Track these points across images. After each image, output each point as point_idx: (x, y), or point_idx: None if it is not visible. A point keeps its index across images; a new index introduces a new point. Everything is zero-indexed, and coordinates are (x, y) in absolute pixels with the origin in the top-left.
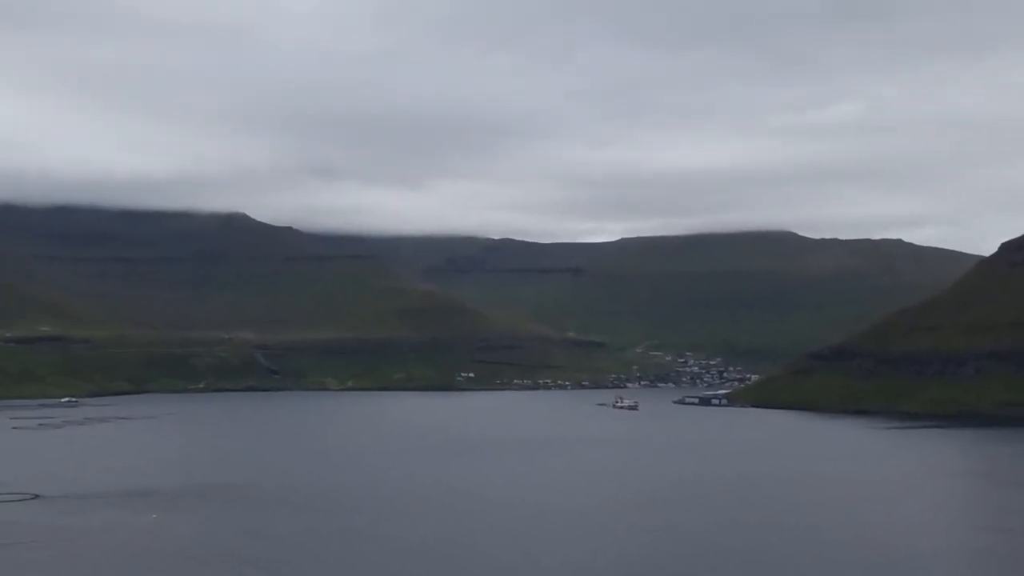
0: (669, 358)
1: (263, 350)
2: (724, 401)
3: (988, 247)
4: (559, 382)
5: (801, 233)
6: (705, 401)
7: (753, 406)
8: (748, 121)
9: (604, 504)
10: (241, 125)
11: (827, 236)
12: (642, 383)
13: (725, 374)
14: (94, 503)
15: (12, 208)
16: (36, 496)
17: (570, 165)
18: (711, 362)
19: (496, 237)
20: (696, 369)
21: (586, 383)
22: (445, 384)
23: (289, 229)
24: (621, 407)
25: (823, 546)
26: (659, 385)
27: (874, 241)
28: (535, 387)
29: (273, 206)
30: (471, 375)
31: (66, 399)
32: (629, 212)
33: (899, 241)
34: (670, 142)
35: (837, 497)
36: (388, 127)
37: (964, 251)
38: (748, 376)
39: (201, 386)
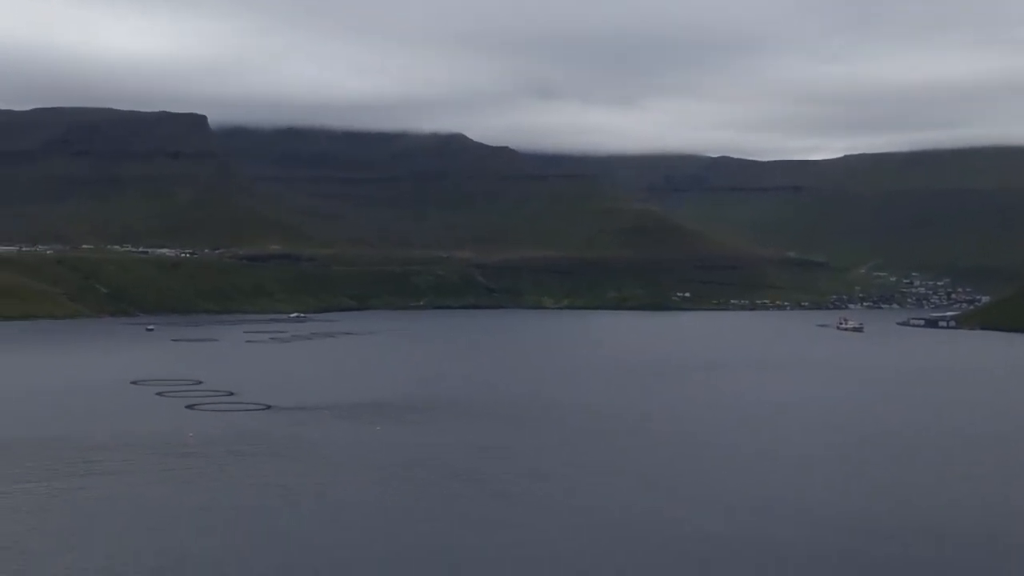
0: (894, 279)
1: (481, 269)
2: (952, 323)
3: None
4: (778, 302)
5: None
6: (932, 323)
7: (983, 328)
8: (989, 30)
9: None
10: (461, 47)
11: None
12: (865, 304)
13: (953, 295)
14: (321, 414)
15: (243, 130)
16: (268, 407)
17: (792, 80)
18: (938, 283)
19: (714, 155)
20: (922, 290)
21: (806, 304)
22: (660, 303)
23: (506, 149)
24: (845, 328)
25: None
26: (882, 306)
27: None
28: (752, 307)
29: (491, 126)
30: (687, 295)
31: (294, 314)
32: (854, 128)
33: None
34: (901, 55)
35: None
36: (607, 46)
37: None
38: (978, 297)
39: (421, 303)
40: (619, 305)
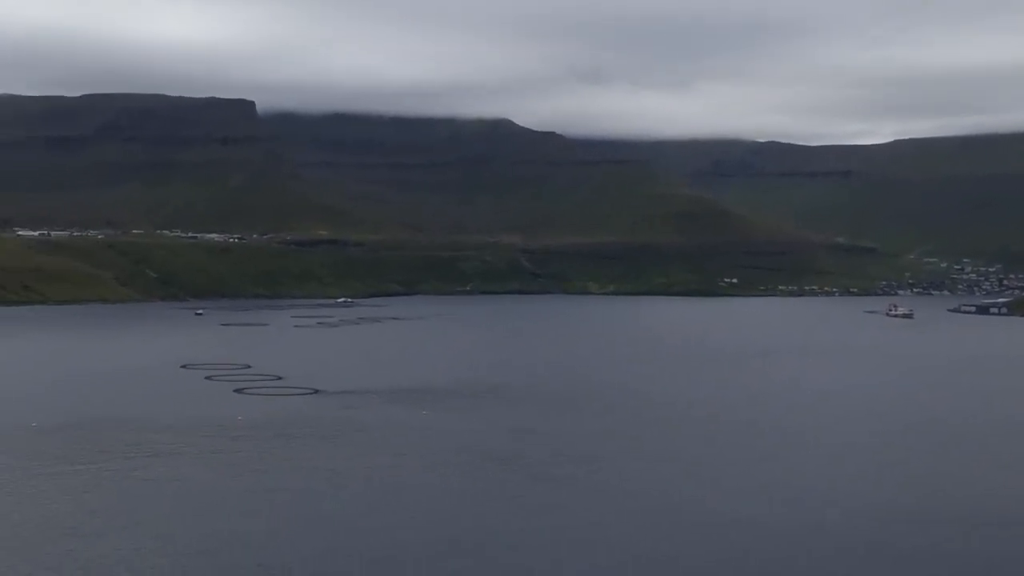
0: (944, 265)
1: (527, 254)
2: (1004, 310)
3: None
4: (826, 288)
5: None
6: (983, 310)
7: None
8: None
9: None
10: (509, 32)
11: None
12: (914, 290)
13: (1005, 281)
14: (368, 399)
15: (292, 116)
16: (316, 391)
17: (842, 64)
18: (990, 269)
19: (763, 140)
20: (973, 276)
21: (854, 290)
22: (707, 289)
23: (552, 134)
24: (895, 315)
25: None
26: (932, 293)
27: None
28: (800, 293)
29: (538, 111)
30: (734, 280)
31: (342, 299)
32: (903, 112)
33: None
34: (950, 39)
35: None
36: (655, 30)
37: None
38: None
39: (468, 288)
40: (666, 291)
